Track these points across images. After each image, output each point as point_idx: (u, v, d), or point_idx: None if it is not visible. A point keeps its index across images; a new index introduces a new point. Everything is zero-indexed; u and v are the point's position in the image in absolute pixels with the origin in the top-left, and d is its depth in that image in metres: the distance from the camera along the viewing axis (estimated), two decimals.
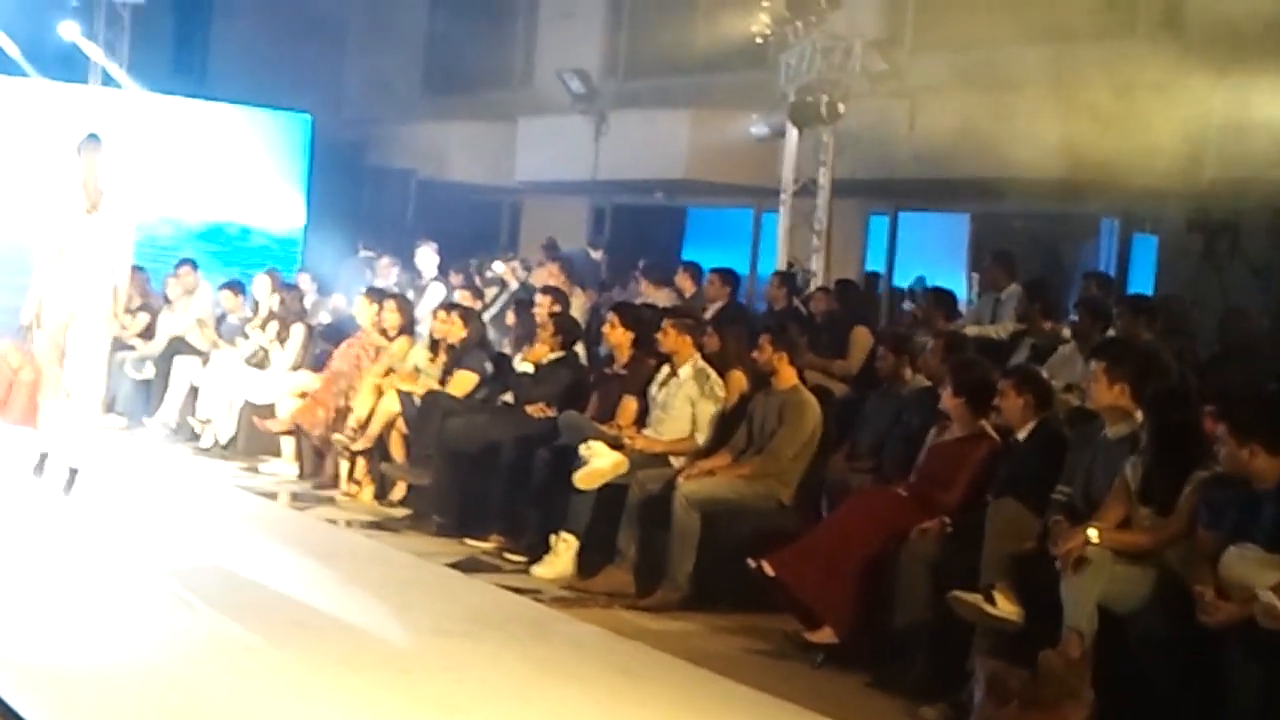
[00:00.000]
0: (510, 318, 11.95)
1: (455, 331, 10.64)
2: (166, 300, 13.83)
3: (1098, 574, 6.02)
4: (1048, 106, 13.17)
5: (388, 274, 14.88)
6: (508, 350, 11.15)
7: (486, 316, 12.38)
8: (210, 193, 18.78)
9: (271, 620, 6.94)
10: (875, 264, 16.63)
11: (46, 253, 9.46)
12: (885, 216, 16.79)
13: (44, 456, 9.72)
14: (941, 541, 6.83)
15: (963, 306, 12.12)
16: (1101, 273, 13.31)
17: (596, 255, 17.07)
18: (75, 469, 9.45)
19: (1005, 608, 6.33)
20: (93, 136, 9.48)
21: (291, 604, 7.31)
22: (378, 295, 11.78)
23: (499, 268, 15.32)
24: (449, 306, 11.32)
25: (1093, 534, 6.07)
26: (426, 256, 15.13)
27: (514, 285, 14.48)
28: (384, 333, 11.26)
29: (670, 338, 8.93)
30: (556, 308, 10.75)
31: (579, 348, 10.40)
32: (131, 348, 13.52)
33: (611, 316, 9.78)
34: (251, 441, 11.93)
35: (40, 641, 6.24)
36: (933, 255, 16.14)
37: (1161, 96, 12.28)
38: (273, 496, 10.69)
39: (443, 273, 14.96)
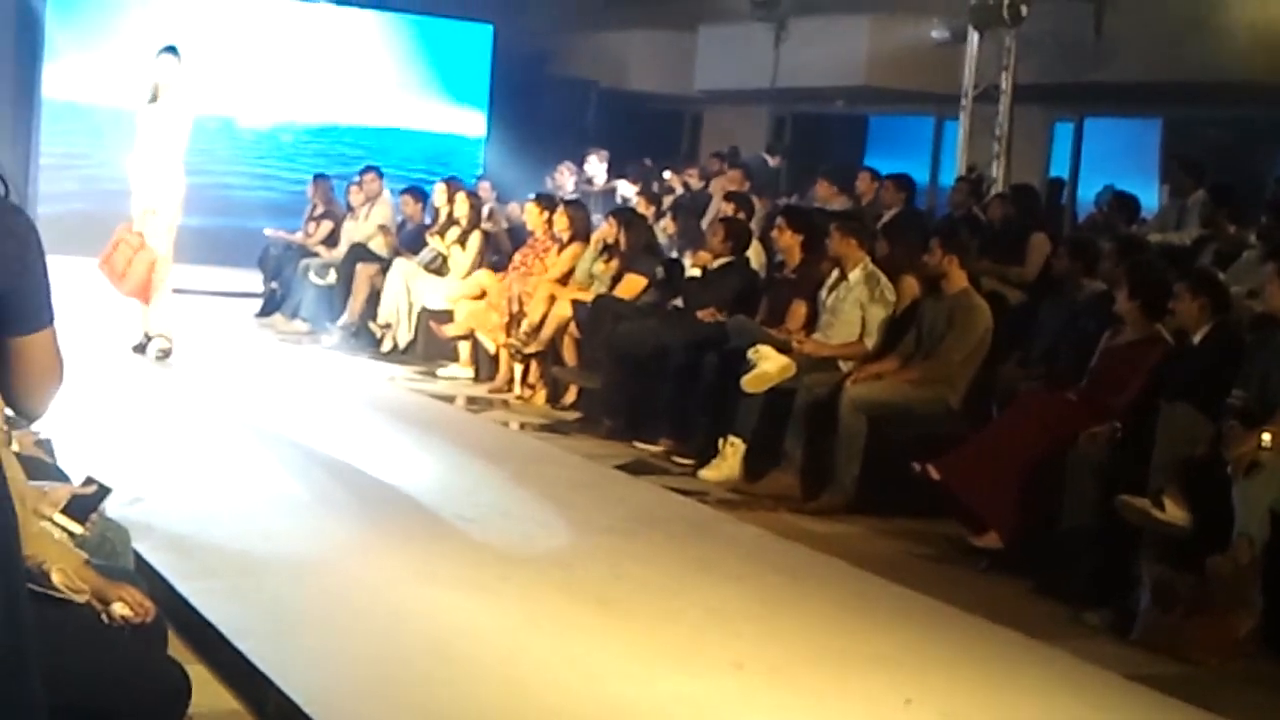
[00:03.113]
0: (671, 225, 11.93)
1: (618, 236, 10.67)
2: (349, 207, 14.03)
3: (1271, 479, 5.87)
4: (1240, 6, 12.72)
5: (564, 181, 14.93)
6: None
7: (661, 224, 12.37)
8: (395, 102, 19.06)
9: (439, 515, 7.07)
10: (1059, 171, 16.25)
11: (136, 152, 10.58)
12: (1070, 123, 16.40)
13: (147, 336, 10.71)
14: (1110, 446, 6.68)
15: (1151, 214, 11.82)
16: None
17: (774, 162, 16.94)
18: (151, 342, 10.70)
19: (1174, 513, 6.18)
20: (169, 48, 10.46)
21: (460, 501, 7.43)
22: (547, 202, 11.84)
23: (667, 175, 15.29)
24: (615, 212, 11.35)
25: (1266, 438, 5.91)
26: (595, 165, 15.19)
27: (680, 192, 14.44)
28: (556, 239, 11.32)
29: (837, 241, 8.83)
30: (740, 214, 10.70)
31: (751, 252, 10.34)
32: (315, 254, 13.81)
33: (780, 220, 9.72)
34: (429, 346, 12.12)
35: (211, 532, 6.42)
36: (1121, 163, 15.74)
37: None
38: (449, 400, 10.86)
39: (617, 179, 15.00)
